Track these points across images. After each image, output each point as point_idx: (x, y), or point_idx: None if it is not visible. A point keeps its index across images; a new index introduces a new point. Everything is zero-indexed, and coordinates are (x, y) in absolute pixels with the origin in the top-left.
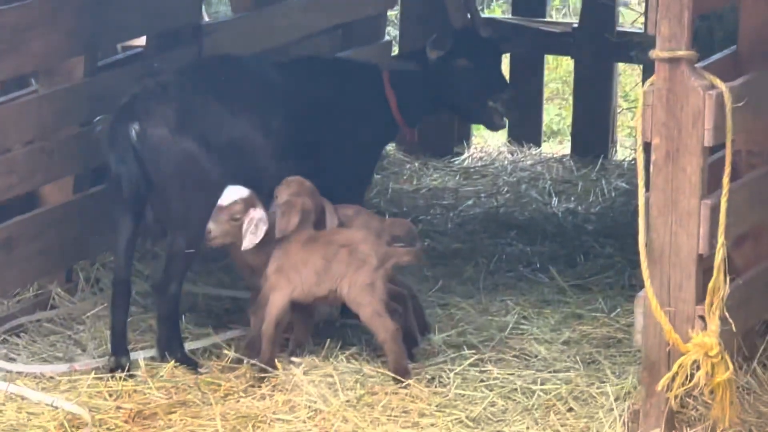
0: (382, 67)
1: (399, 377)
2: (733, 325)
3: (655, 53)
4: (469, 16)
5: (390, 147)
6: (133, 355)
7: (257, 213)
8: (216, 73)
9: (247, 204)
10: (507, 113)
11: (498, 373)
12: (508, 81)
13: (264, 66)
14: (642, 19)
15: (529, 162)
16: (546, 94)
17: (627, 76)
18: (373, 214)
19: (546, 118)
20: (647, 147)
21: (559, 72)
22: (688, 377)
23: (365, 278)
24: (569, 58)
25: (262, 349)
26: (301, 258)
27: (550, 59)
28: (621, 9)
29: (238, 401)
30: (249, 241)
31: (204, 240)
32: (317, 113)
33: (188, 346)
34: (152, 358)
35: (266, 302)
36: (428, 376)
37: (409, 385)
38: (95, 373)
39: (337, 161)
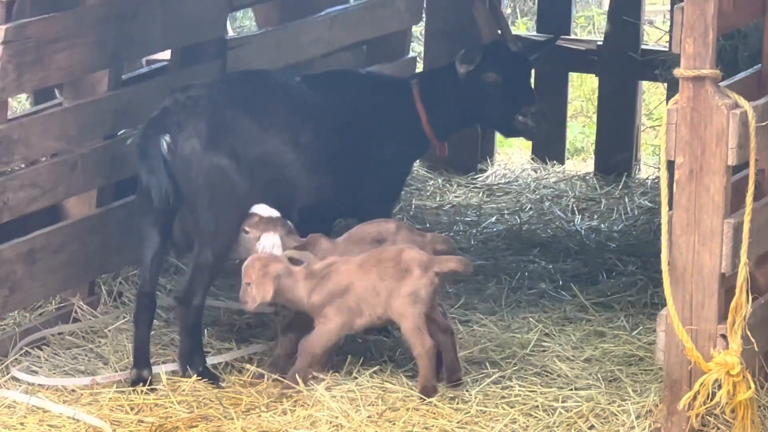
0: (412, 81)
1: (424, 395)
2: (755, 344)
3: (679, 72)
4: (499, 31)
5: (414, 163)
6: (155, 369)
7: (270, 239)
8: (247, 87)
9: (264, 224)
10: (536, 127)
11: (519, 391)
12: (535, 95)
13: (294, 80)
14: (666, 37)
15: (552, 179)
16: (570, 111)
17: (651, 94)
18: (414, 229)
19: (570, 135)
20: (671, 165)
21: (583, 90)
22: (710, 396)
23: (408, 288)
24: (593, 75)
25: (297, 367)
26: (354, 283)
27: (574, 77)
28: (646, 27)
29: (260, 416)
30: None
31: (228, 253)
32: (347, 128)
33: (210, 360)
34: (174, 372)
35: (302, 325)
36: (450, 394)
37: (430, 401)
38: (117, 387)
39: (367, 176)
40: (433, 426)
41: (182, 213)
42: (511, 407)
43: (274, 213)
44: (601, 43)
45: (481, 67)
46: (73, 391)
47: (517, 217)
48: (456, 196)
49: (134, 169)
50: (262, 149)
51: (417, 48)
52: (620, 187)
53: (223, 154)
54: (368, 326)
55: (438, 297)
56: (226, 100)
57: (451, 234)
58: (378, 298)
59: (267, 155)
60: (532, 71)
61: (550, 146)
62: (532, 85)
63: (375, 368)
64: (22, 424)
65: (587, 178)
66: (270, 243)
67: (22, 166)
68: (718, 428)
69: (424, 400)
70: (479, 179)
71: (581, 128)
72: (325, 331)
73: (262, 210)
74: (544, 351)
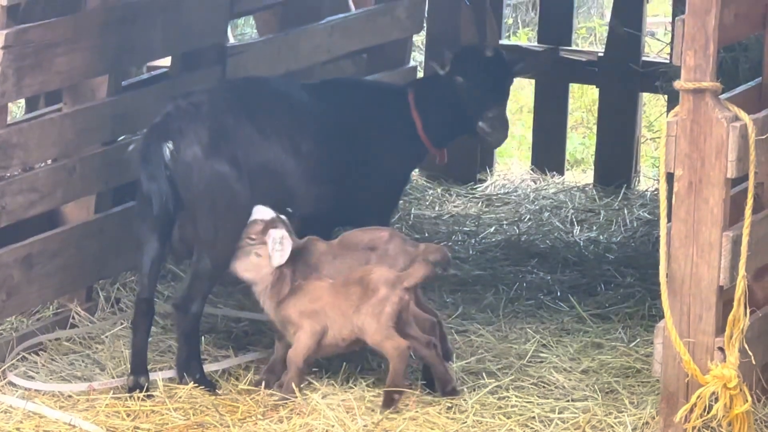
0: (408, 89)
1: (388, 397)
2: (752, 358)
3: (679, 84)
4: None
5: (413, 173)
6: (152, 376)
7: (278, 232)
8: (248, 94)
9: (268, 226)
10: (491, 133)
11: (516, 401)
12: (502, 100)
13: (294, 88)
14: (668, 49)
15: (551, 190)
16: (570, 122)
17: (652, 106)
18: (407, 238)
19: (570, 146)
20: (670, 177)
21: (583, 101)
22: (707, 409)
23: (371, 305)
24: (594, 86)
25: (287, 379)
26: (327, 301)
27: (575, 88)
28: (647, 39)
29: (256, 424)
30: (277, 258)
31: (228, 260)
32: (346, 136)
33: (207, 367)
34: (171, 379)
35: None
36: (447, 403)
37: (427, 412)
38: (113, 393)
39: (365, 184)
40: None
41: (182, 220)
42: (508, 418)
43: (272, 212)
44: (602, 54)
45: (451, 70)
46: (70, 396)
47: (515, 227)
48: (455, 206)
49: (133, 175)
50: (263, 157)
51: (418, 57)
52: (619, 198)
53: (224, 161)
54: (335, 349)
55: (410, 313)
56: (228, 106)
57: (450, 244)
58: (344, 318)
59: (268, 163)
60: (509, 79)
61: (549, 157)
62: (507, 94)
63: (372, 378)
64: (18, 429)
65: (587, 189)
66: (279, 235)
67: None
68: None
69: (386, 404)
70: (478, 189)
71: (581, 139)
72: (303, 341)
73: (262, 213)
74: (541, 362)
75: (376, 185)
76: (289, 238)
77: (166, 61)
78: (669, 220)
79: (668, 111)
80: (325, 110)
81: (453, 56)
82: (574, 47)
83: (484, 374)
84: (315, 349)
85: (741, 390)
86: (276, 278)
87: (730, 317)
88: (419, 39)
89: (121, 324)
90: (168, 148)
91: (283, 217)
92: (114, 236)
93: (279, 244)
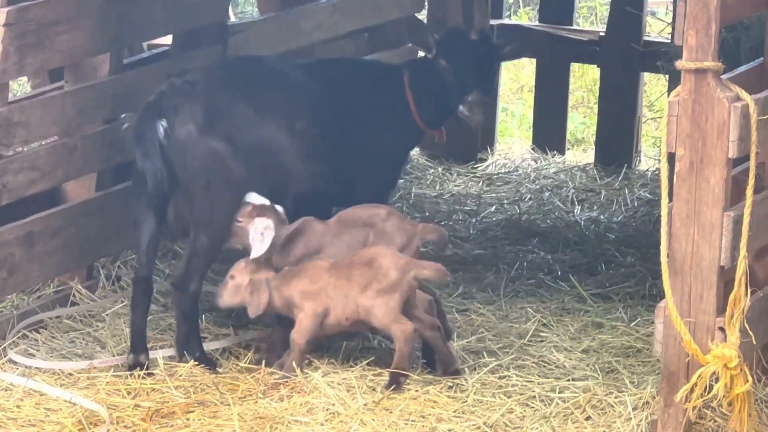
0: (403, 68)
1: (394, 378)
2: (753, 338)
3: (681, 64)
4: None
5: (414, 152)
6: (152, 354)
7: (263, 222)
8: (243, 73)
9: (257, 211)
10: (469, 117)
11: (517, 380)
12: (485, 83)
13: (290, 67)
14: (669, 29)
15: (552, 170)
16: (571, 102)
17: (653, 85)
18: (405, 217)
19: (570, 126)
20: (671, 157)
21: (584, 80)
22: (707, 389)
23: (377, 286)
24: (595, 66)
25: (289, 359)
26: (328, 282)
27: (575, 67)
28: (648, 18)
29: (256, 402)
30: (256, 250)
31: (224, 239)
32: (342, 115)
33: (207, 346)
34: (171, 357)
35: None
36: (448, 383)
37: (427, 390)
38: (114, 371)
39: (361, 163)
40: (429, 414)
41: (177, 198)
42: (508, 397)
43: (266, 201)
44: (603, 33)
45: (437, 53)
46: (71, 374)
47: (516, 207)
48: (456, 185)
49: (133, 154)
50: (258, 135)
51: None
52: (620, 178)
53: (219, 139)
54: (337, 329)
55: (417, 297)
56: (223, 85)
57: (450, 223)
58: (347, 299)
59: (263, 141)
60: (494, 63)
61: (550, 136)
62: (490, 77)
63: (372, 357)
64: (18, 407)
65: (587, 168)
66: (263, 225)
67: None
68: (715, 421)
69: (392, 384)
70: (479, 169)
71: (582, 119)
72: (305, 322)
73: (254, 198)
74: (541, 341)
75: (372, 164)
76: (272, 230)
77: (167, 40)
78: (670, 199)
79: (669, 91)
80: (320, 89)
81: (438, 39)
82: (575, 26)
83: (484, 353)
84: (317, 329)
85: (741, 370)
86: (251, 290)
87: (731, 297)
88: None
89: (122, 302)
90: (162, 126)
91: (278, 207)
92: (115, 214)
93: (260, 234)
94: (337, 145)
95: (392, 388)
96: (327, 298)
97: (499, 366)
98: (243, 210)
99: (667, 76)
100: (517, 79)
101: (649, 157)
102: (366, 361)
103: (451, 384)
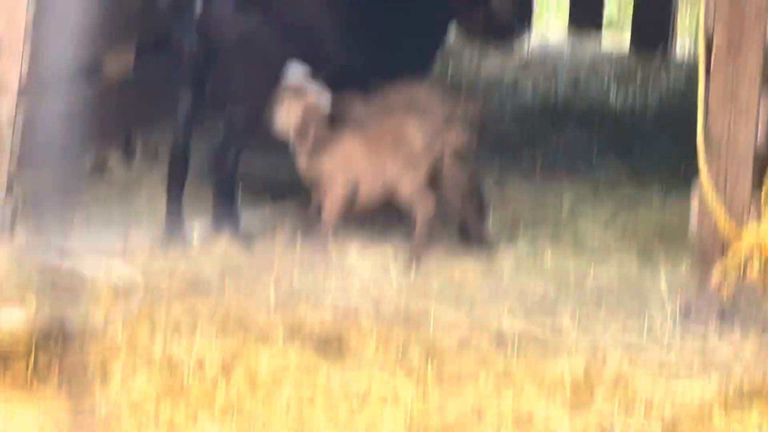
0: None
1: (410, 258)
2: None
3: None
4: None
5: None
6: (188, 227)
7: (297, 70)
8: None
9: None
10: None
11: (551, 261)
12: None
13: None
14: None
15: (588, 51)
16: None
17: None
18: (445, 94)
19: (607, 8)
20: (709, 38)
21: None
22: (742, 268)
23: (407, 159)
24: None
25: (321, 232)
26: (359, 154)
27: None
28: None
29: (291, 279)
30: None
31: (262, 113)
32: None
33: (244, 220)
34: (208, 231)
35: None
36: (482, 264)
37: (421, 257)
38: (150, 244)
39: (399, 35)
40: (463, 295)
41: (214, 73)
42: (543, 277)
43: (304, 79)
44: None
45: None
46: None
47: (552, 89)
48: (492, 67)
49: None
50: (294, 11)
51: None
52: (657, 60)
53: (256, 14)
54: (368, 203)
55: (449, 169)
56: None
57: (486, 103)
58: (376, 171)
59: (299, 17)
60: None
61: (587, 18)
62: None
63: (406, 231)
64: None
65: (623, 50)
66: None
67: None
68: (749, 302)
69: (410, 264)
70: (515, 50)
71: (618, 1)
72: (334, 198)
73: (294, 75)
74: (576, 221)
75: (410, 35)
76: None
77: None
78: (707, 80)
79: None
80: None
81: None
82: None
83: (520, 231)
84: (348, 203)
85: None
86: (300, 132)
87: (766, 177)
88: None
89: (159, 175)
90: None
91: (315, 84)
92: (152, 88)
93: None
94: (375, 17)
95: (414, 261)
96: (357, 171)
97: (534, 246)
98: (281, 92)
99: None
100: None
101: (686, 39)
102: (399, 235)
103: (485, 264)
